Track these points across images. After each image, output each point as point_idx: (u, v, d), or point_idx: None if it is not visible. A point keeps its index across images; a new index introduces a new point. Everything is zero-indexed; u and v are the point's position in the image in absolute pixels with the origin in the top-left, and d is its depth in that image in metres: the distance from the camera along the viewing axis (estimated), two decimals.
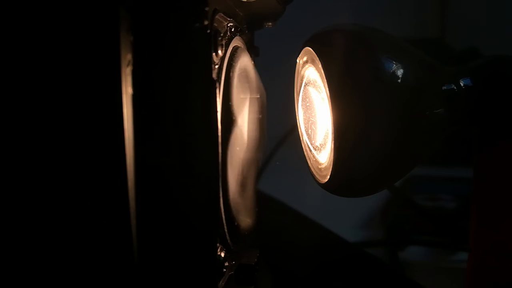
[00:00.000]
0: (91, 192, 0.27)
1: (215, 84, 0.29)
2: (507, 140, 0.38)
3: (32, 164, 0.27)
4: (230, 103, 0.33)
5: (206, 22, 0.28)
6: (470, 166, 0.41)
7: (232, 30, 0.35)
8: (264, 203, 0.43)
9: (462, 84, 0.37)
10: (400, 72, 0.35)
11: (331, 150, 0.35)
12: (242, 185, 0.38)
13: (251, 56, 0.40)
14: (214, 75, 0.30)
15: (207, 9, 0.28)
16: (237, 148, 0.35)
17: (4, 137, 0.27)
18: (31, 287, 0.28)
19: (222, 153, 0.31)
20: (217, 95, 0.30)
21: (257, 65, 0.41)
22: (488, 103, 0.37)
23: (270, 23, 0.42)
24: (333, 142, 0.34)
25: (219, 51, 0.31)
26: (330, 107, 0.34)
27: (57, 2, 0.26)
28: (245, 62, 0.36)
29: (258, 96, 0.40)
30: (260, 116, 0.41)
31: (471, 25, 1.02)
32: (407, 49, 0.37)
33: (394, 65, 0.35)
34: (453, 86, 0.36)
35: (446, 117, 0.36)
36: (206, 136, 0.29)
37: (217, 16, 0.31)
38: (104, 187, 0.26)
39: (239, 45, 0.37)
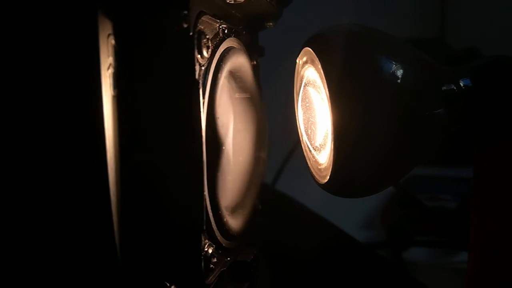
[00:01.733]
0: (72, 191, 0.27)
1: (198, 85, 0.30)
2: (507, 140, 0.38)
3: (14, 165, 0.28)
4: (217, 103, 0.33)
5: (185, 25, 0.28)
6: (470, 166, 0.41)
7: (225, 31, 0.35)
8: (268, 202, 0.43)
9: (461, 84, 0.37)
10: (399, 73, 0.35)
11: (330, 150, 0.35)
12: (239, 183, 0.38)
13: (252, 56, 0.40)
14: (198, 76, 0.30)
15: (185, 12, 0.28)
16: (230, 148, 0.35)
17: None
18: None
19: (210, 152, 0.32)
20: (202, 95, 0.31)
21: (261, 65, 0.42)
22: (488, 103, 0.37)
23: (270, 23, 0.42)
24: (332, 142, 0.35)
25: (205, 53, 0.31)
26: (330, 107, 0.34)
27: (39, 11, 0.26)
28: (238, 62, 0.36)
29: (254, 96, 0.40)
30: (257, 115, 0.41)
31: (471, 25, 1.03)
32: (407, 49, 0.37)
33: (394, 65, 0.35)
34: (453, 86, 0.36)
35: (445, 117, 0.36)
36: (189, 135, 0.29)
37: (203, 18, 0.31)
38: (86, 185, 0.27)
39: (233, 46, 0.37)
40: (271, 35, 0.45)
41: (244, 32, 0.40)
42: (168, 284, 0.30)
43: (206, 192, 0.32)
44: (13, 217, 0.28)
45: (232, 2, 0.34)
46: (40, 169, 0.27)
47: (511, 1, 1.00)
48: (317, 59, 0.36)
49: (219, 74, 0.34)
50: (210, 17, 0.33)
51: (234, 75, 0.35)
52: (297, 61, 0.41)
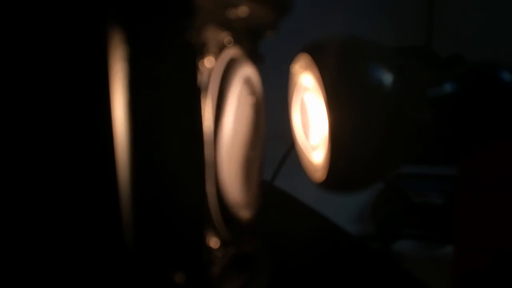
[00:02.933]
0: (85, 188, 0.28)
1: (200, 92, 0.31)
2: (490, 142, 0.39)
3: (29, 167, 0.29)
4: (221, 108, 0.34)
5: (190, 35, 0.29)
6: (455, 165, 0.42)
7: (227, 40, 0.36)
8: (267, 197, 0.44)
9: (447, 89, 0.38)
10: (389, 79, 0.36)
11: (326, 151, 0.37)
12: (241, 179, 0.39)
13: (254, 63, 0.41)
14: (201, 84, 0.31)
15: (190, 23, 0.29)
16: (232, 148, 0.36)
17: None
18: (23, 279, 0.30)
19: (214, 153, 0.33)
20: (205, 101, 0.32)
21: (262, 71, 0.43)
22: (473, 107, 0.38)
23: (270, 32, 0.43)
24: (329, 143, 0.36)
25: (208, 62, 0.32)
26: (327, 110, 0.36)
27: (50, 19, 0.27)
28: (240, 70, 0.37)
29: (254, 101, 0.41)
30: (257, 118, 0.42)
31: (458, 33, 1.03)
32: (396, 57, 0.39)
33: (384, 72, 0.36)
34: (439, 91, 0.38)
35: (432, 121, 0.37)
36: (192, 139, 0.30)
37: (207, 28, 0.32)
38: (97, 182, 0.28)
39: (235, 55, 0.38)
40: (270, 39, 0.45)
41: (245, 41, 0.41)
42: (175, 275, 0.31)
43: (212, 189, 0.34)
44: (26, 212, 0.29)
45: (234, 17, 0.35)
46: (52, 170, 0.28)
47: (496, 9, 1.01)
48: (313, 65, 0.38)
49: (223, 81, 0.35)
50: (214, 27, 0.34)
51: (235, 82, 0.36)
52: (294, 66, 0.43)
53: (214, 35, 0.35)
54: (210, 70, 0.34)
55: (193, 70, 0.30)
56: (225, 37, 0.37)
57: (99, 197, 0.28)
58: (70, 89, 0.28)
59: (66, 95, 0.28)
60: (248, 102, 0.41)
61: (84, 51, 0.27)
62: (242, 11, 0.35)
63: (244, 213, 0.39)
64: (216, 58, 0.35)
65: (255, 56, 0.42)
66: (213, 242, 0.34)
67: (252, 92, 0.41)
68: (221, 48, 0.36)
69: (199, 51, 0.32)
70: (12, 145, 0.29)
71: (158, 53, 0.29)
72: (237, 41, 0.39)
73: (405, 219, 0.65)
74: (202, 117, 0.31)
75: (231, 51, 0.37)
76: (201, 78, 0.32)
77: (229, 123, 0.35)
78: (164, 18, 0.29)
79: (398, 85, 0.36)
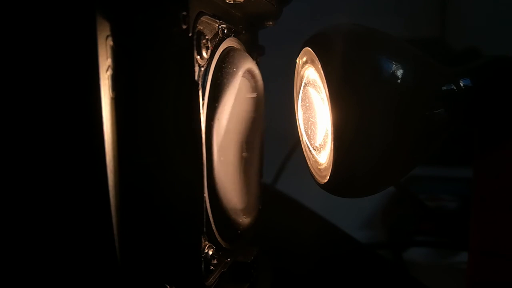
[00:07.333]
0: (71, 193, 0.27)
1: (198, 86, 0.30)
2: (507, 141, 0.38)
3: (14, 167, 0.28)
4: (217, 104, 0.33)
5: (184, 26, 0.28)
6: (470, 166, 0.41)
7: (225, 31, 0.35)
8: (268, 202, 0.43)
9: (462, 85, 0.36)
10: (399, 73, 0.34)
11: (330, 150, 0.35)
12: (238, 182, 0.38)
13: (253, 55, 0.40)
14: (198, 77, 0.30)
15: (184, 13, 0.28)
16: (230, 148, 0.35)
17: None
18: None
19: (209, 153, 0.32)
20: (202, 96, 0.31)
21: (262, 65, 0.42)
22: (488, 104, 0.37)
23: (270, 23, 0.42)
24: (332, 142, 0.34)
25: (204, 53, 0.31)
26: (330, 107, 0.34)
27: (36, 11, 0.26)
28: (238, 62, 0.36)
29: (254, 95, 0.40)
30: (255, 115, 0.41)
31: (471, 25, 1.03)
32: (407, 49, 0.37)
33: (393, 65, 0.35)
34: (453, 87, 0.36)
35: (445, 117, 0.36)
36: (188, 137, 0.29)
37: (203, 19, 0.31)
38: (85, 188, 0.27)
39: (233, 46, 0.37)
40: (271, 34, 0.44)
41: (243, 32, 0.40)
42: (168, 286, 0.30)
43: (206, 194, 0.32)
44: (13, 218, 0.28)
45: (232, 2, 0.34)
46: (39, 171, 0.27)
47: (511, 1, 1.00)
48: (317, 59, 0.36)
49: (219, 74, 0.33)
50: (209, 17, 0.33)
51: (233, 75, 0.35)
52: (297, 61, 0.41)
53: (211, 26, 0.34)
54: (207, 63, 0.33)
55: (190, 64, 0.30)
56: (223, 28, 0.35)
57: (87, 208, 0.27)
58: (56, 86, 0.27)
59: (53, 93, 0.27)
60: (246, 98, 0.39)
61: (71, 45, 0.26)
62: None
63: (242, 219, 0.38)
64: (213, 50, 0.34)
65: (254, 48, 0.42)
66: (208, 249, 0.33)
67: (251, 87, 0.40)
68: (219, 39, 0.35)
69: (196, 43, 0.30)
70: None
71: (151, 47, 0.28)
72: (236, 32, 0.38)
73: (417, 225, 0.65)
74: (200, 114, 0.30)
75: (229, 43, 0.36)
76: (198, 72, 0.31)
77: (224, 120, 0.34)
78: (158, 9, 0.28)
79: (409, 79, 0.35)
